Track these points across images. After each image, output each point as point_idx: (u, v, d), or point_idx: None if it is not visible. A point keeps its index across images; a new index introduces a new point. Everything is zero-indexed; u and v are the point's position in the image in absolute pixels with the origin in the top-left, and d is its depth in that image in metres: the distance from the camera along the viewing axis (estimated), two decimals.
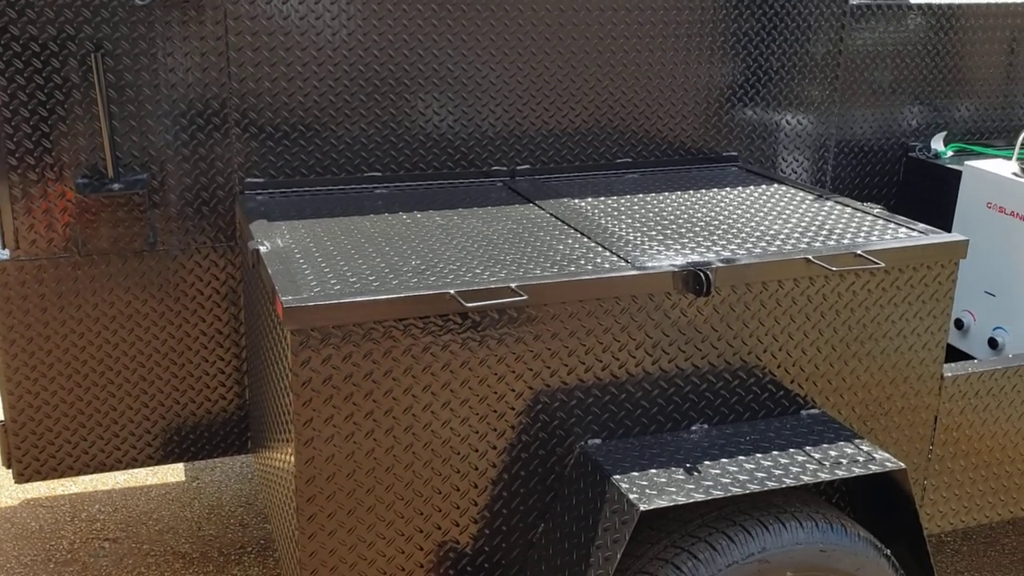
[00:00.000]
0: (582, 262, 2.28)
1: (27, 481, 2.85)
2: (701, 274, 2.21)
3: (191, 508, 3.68)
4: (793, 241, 2.48)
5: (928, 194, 3.54)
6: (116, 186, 2.69)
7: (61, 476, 2.88)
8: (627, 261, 2.29)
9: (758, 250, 2.39)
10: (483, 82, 3.00)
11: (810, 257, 2.33)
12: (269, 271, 2.17)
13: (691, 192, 2.99)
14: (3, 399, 2.77)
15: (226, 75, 2.76)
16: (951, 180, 3.37)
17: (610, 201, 2.86)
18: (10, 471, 2.84)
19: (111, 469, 2.91)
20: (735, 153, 3.36)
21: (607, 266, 2.25)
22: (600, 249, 2.39)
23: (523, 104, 3.07)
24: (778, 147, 3.42)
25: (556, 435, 2.25)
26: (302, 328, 1.98)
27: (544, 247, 2.39)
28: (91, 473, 2.90)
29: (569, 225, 2.59)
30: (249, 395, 2.93)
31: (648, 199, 2.90)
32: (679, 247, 2.41)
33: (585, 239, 2.47)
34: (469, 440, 2.17)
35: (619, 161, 3.23)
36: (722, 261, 2.28)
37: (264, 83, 2.79)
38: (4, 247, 2.69)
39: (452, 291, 2.05)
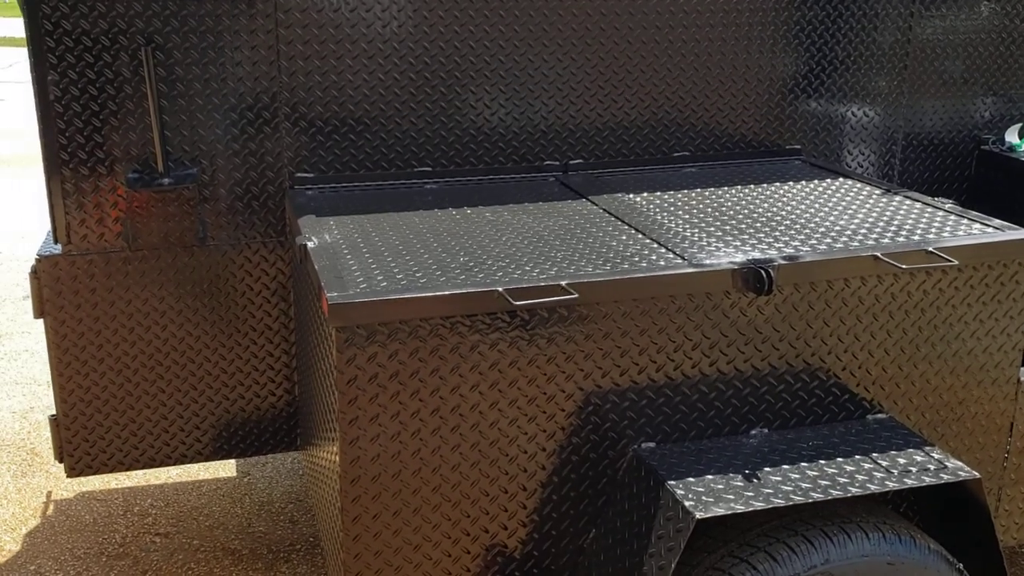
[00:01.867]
0: (636, 259, 2.19)
1: (79, 475, 2.86)
2: (762, 272, 2.11)
3: (242, 504, 3.67)
4: (860, 238, 2.36)
5: (1002, 189, 3.38)
6: (166, 181, 2.68)
7: (112, 471, 2.88)
8: (683, 258, 2.20)
9: (823, 247, 2.28)
10: (535, 74, 2.93)
11: (878, 254, 2.21)
12: (316, 267, 2.13)
13: (752, 187, 2.88)
14: (55, 393, 2.77)
15: (276, 68, 2.72)
16: None
17: (666, 196, 2.77)
18: (63, 465, 2.85)
19: (161, 464, 2.91)
20: (799, 146, 3.24)
21: (662, 263, 2.17)
22: (655, 246, 2.30)
23: (576, 96, 2.99)
24: (843, 140, 3.29)
25: (608, 437, 2.17)
26: (347, 325, 1.93)
27: (596, 244, 2.31)
28: (141, 468, 2.89)
29: (623, 221, 2.51)
30: (299, 391, 2.90)
31: (707, 194, 2.80)
32: (739, 243, 2.31)
33: (640, 235, 2.39)
34: (518, 441, 2.10)
35: (676, 155, 3.13)
36: (784, 258, 2.18)
37: (314, 77, 2.75)
38: (56, 241, 2.70)
39: (500, 288, 1.98)
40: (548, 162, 3.03)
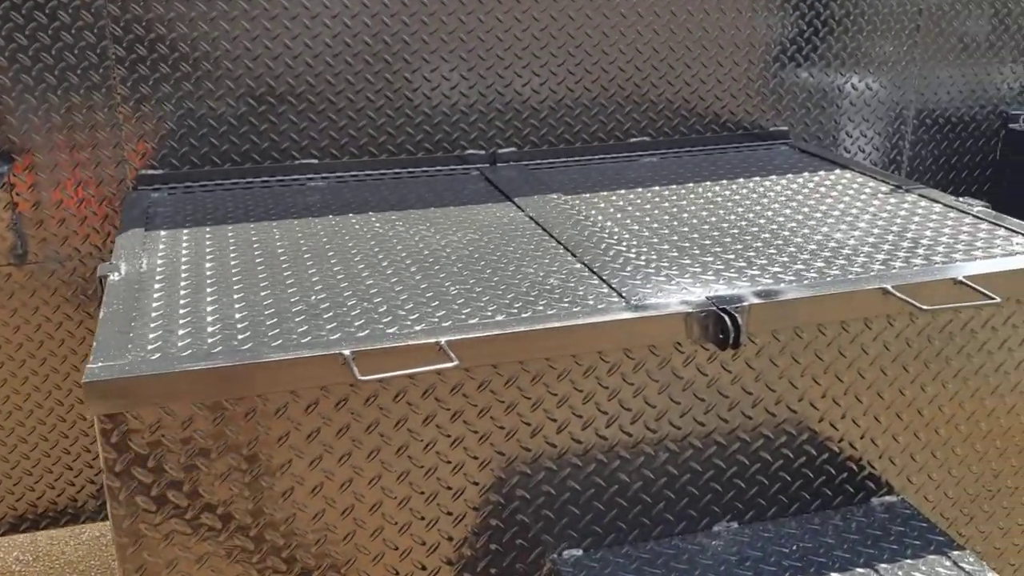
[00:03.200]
0: (558, 296, 1.58)
1: None
2: (726, 317, 1.50)
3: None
4: (863, 259, 1.75)
5: None
6: None
7: None
8: (621, 295, 1.59)
9: (812, 274, 1.67)
10: (450, 40, 2.30)
11: (889, 287, 1.60)
12: (101, 314, 1.52)
13: (725, 183, 2.26)
14: None
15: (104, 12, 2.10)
16: None
17: (615, 198, 2.15)
18: None
19: None
20: (785, 128, 2.62)
21: (592, 302, 1.56)
22: (587, 274, 1.69)
23: (505, 68, 2.36)
24: (840, 119, 2.67)
25: (516, 546, 1.57)
26: (114, 413, 1.32)
27: (510, 272, 1.70)
28: None
29: (552, 235, 1.90)
30: None
31: (666, 194, 2.18)
32: (700, 270, 1.70)
33: (569, 257, 1.77)
34: (386, 560, 1.51)
35: (632, 141, 2.51)
36: (758, 295, 1.57)
37: (155, 24, 2.13)
38: None
39: (347, 352, 1.37)
40: (471, 151, 2.41)
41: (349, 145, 2.32)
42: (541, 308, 1.53)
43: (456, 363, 1.37)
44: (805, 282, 1.64)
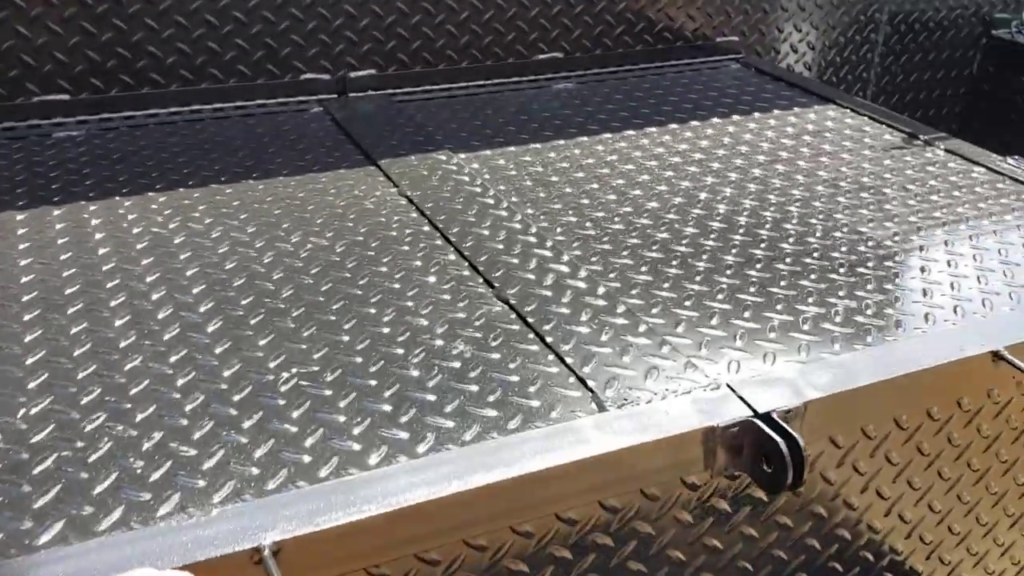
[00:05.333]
0: (474, 398, 0.91)
1: None
2: (776, 436, 0.88)
3: None
4: (922, 281, 1.15)
5: (1020, 93, 2.23)
6: None
7: None
8: (591, 390, 0.93)
9: (865, 319, 1.06)
10: None
11: (1002, 350, 1.01)
12: None
13: (676, 131, 1.61)
14: None
15: None
16: None
17: (528, 158, 1.47)
18: None
19: None
20: (735, 38, 1.97)
21: (557, 410, 0.90)
22: (518, 327, 1.02)
23: None
24: (801, 25, 2.04)
25: None
26: None
27: (387, 334, 1.01)
28: None
29: (449, 241, 1.21)
30: None
31: (601, 152, 1.51)
32: (694, 314, 1.06)
33: (483, 288, 1.10)
34: None
35: (540, 59, 1.80)
36: (814, 383, 0.94)
37: None
38: None
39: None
40: (310, 75, 1.65)
41: (120, 70, 1.52)
42: (438, 428, 0.86)
43: None
44: (867, 342, 1.03)
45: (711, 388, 0.94)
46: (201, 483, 0.76)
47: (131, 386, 0.89)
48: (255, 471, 0.78)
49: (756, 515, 0.95)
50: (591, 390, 0.93)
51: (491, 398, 0.92)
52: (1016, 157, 1.51)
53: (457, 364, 0.97)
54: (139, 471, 0.77)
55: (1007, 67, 2.24)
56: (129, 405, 0.86)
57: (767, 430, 0.87)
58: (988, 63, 2.28)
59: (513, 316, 1.06)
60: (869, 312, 1.09)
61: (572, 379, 0.95)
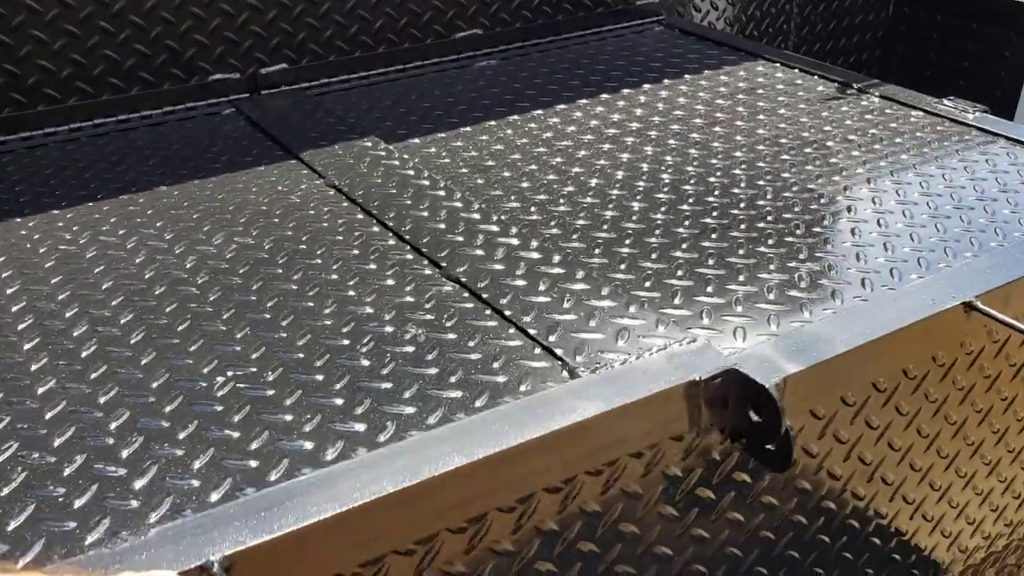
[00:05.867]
0: (435, 380, 0.83)
1: None
2: (776, 394, 0.81)
3: None
4: (879, 233, 1.11)
5: (931, 36, 2.22)
6: None
7: None
8: (560, 358, 0.86)
9: (828, 282, 1.01)
10: None
11: (974, 300, 0.95)
12: None
13: (609, 101, 1.55)
14: None
15: None
16: (1006, 18, 2.05)
17: (460, 143, 1.39)
18: None
19: None
20: (655, 0, 1.92)
21: (527, 383, 0.82)
22: (472, 305, 0.94)
23: None
24: None
25: None
26: None
27: (330, 326, 0.93)
28: None
29: (383, 223, 1.12)
30: None
31: (533, 129, 1.44)
32: (654, 288, 1.00)
33: (429, 270, 1.02)
34: None
35: (459, 38, 1.73)
36: (791, 355, 0.87)
37: None
38: None
39: None
40: (219, 76, 1.55)
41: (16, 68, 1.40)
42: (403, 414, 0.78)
43: None
44: (836, 306, 0.97)
45: (688, 342, 0.87)
46: (134, 503, 0.67)
47: (46, 410, 0.79)
48: (195, 483, 0.69)
49: (741, 498, 0.89)
50: (560, 358, 0.86)
51: (452, 379, 0.84)
52: (951, 98, 1.47)
53: (411, 349, 0.89)
54: (60, 499, 0.68)
55: (920, 5, 2.23)
56: (44, 431, 0.76)
57: (752, 376, 0.81)
58: (903, 3, 2.26)
59: (466, 294, 0.98)
60: (833, 273, 1.04)
61: (538, 350, 0.88)
